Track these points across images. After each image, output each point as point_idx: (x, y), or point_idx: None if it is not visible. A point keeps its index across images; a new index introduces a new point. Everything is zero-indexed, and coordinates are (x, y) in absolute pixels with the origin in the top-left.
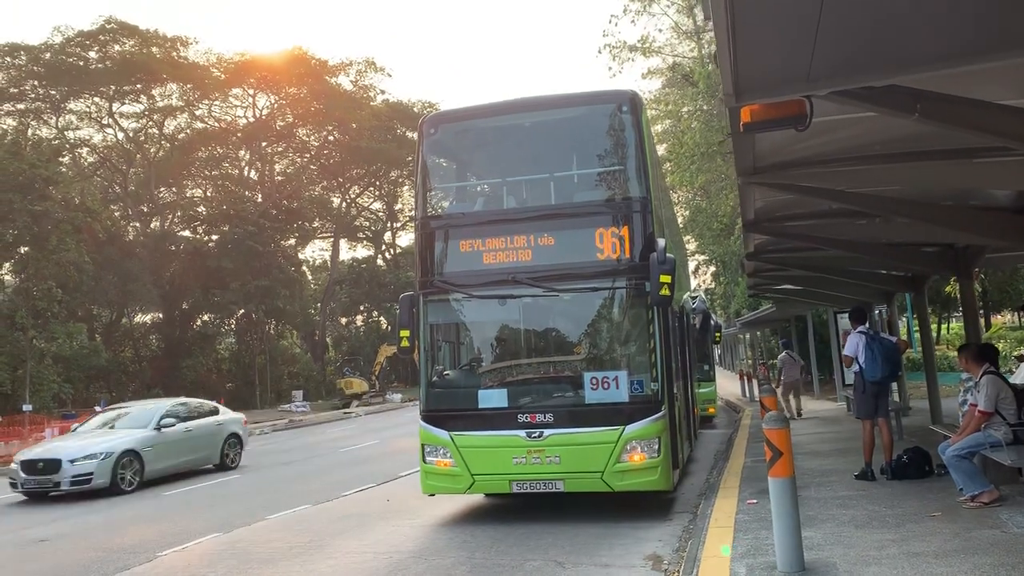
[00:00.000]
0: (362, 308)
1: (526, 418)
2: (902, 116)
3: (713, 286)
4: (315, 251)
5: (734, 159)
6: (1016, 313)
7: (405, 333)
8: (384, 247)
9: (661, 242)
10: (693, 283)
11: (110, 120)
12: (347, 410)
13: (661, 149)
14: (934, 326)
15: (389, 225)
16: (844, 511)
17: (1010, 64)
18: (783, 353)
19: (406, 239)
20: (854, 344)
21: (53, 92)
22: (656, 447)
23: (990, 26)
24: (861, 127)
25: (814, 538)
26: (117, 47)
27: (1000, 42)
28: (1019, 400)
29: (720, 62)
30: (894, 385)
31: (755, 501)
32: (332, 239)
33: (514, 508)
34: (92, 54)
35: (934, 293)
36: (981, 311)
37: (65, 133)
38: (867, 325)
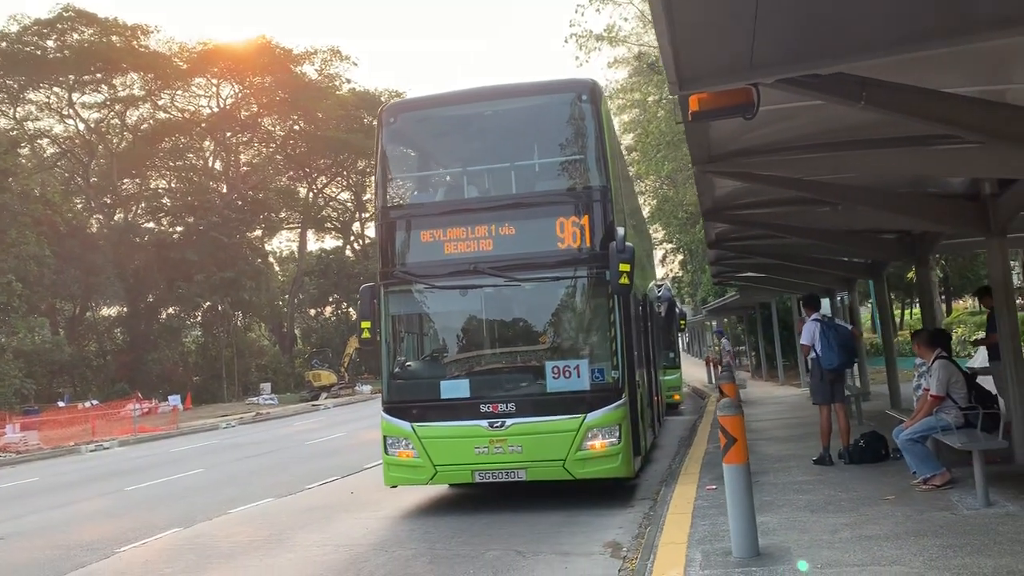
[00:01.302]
0: (331, 299)
1: (488, 408)
2: (848, 104)
3: (681, 274)
4: (282, 242)
5: (688, 148)
6: (975, 298)
7: (366, 325)
8: (353, 237)
9: (620, 231)
10: (661, 272)
11: (70, 110)
12: (315, 402)
13: (629, 138)
14: (897, 312)
15: (357, 215)
16: (801, 496)
17: (954, 51)
18: (724, 340)
19: (375, 229)
20: (810, 332)
21: (10, 82)
22: (617, 434)
23: (934, 12)
24: (816, 114)
25: (770, 523)
26: (76, 35)
27: (945, 28)
28: (970, 384)
29: (661, 50)
30: (854, 370)
31: (714, 487)
32: (299, 230)
33: (477, 498)
34: (50, 43)
35: (896, 279)
36: (942, 297)
37: (24, 124)
38: (820, 312)
